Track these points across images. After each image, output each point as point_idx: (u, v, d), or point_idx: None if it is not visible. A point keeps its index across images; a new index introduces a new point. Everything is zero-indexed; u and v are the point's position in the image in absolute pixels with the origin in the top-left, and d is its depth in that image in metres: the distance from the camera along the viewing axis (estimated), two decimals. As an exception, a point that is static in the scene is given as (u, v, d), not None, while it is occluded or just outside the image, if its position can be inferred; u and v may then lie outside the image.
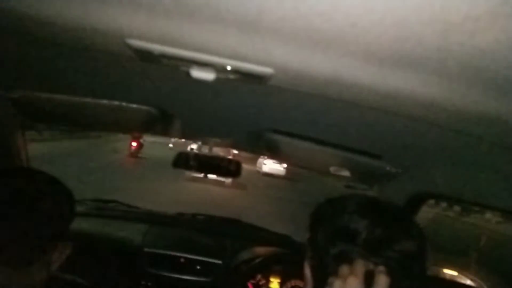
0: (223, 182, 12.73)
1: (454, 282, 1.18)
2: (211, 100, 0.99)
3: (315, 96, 0.72)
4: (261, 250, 1.86)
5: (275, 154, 1.39)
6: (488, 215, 18.93)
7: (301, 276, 1.77)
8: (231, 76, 0.58)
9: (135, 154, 16.37)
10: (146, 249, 1.71)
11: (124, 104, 1.16)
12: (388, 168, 1.24)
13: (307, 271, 0.84)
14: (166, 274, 1.67)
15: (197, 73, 0.58)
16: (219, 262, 1.72)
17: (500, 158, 0.81)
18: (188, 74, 0.59)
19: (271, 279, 1.81)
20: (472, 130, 0.71)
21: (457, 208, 18.82)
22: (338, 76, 0.52)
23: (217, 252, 1.78)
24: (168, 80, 0.88)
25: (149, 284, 1.65)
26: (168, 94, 1.03)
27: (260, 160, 21.95)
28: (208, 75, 0.58)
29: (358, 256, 0.71)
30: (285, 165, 21.49)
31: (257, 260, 1.73)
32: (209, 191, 11.39)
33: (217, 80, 0.60)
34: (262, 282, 1.77)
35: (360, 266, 0.68)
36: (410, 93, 0.56)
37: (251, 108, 1.02)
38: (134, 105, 1.16)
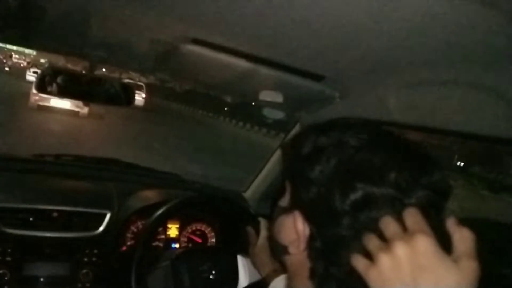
0: (77, 112, 11.18)
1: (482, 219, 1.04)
2: None
3: None
4: (152, 194, 1.54)
5: (189, 73, 1.06)
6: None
7: (202, 219, 1.55)
8: None
9: None
10: None
11: None
12: (328, 92, 1.04)
13: (299, 225, 0.58)
14: (32, 233, 1.24)
15: None
16: (106, 212, 1.36)
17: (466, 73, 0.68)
18: None
19: (169, 225, 1.53)
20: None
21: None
22: None
23: (101, 200, 1.39)
24: None
25: (9, 250, 1.21)
26: None
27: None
28: None
29: (389, 201, 0.50)
30: (143, 95, 20.41)
31: (155, 210, 1.42)
32: (62, 123, 9.91)
33: None
34: (159, 229, 1.49)
35: (419, 218, 0.46)
36: None
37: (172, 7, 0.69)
38: None
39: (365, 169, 0.52)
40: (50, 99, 10.50)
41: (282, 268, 1.14)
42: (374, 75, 0.89)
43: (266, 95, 1.07)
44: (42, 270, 1.25)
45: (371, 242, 0.47)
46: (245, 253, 1.25)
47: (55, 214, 1.28)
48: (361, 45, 0.72)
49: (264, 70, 0.97)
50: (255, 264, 1.18)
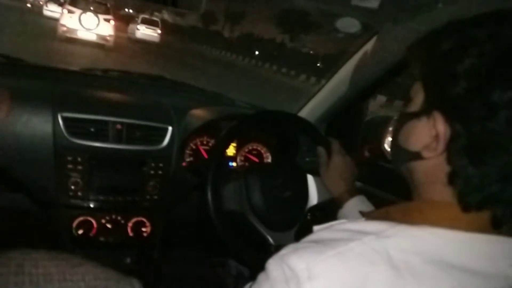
0: (103, 44, 10.93)
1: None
2: None
3: None
4: (207, 112, 1.42)
5: None
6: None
7: (258, 138, 1.46)
8: None
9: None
10: (63, 114, 1.13)
11: None
12: None
13: (440, 125, 0.50)
14: (98, 144, 1.15)
15: None
16: (168, 126, 1.26)
17: None
18: None
19: None
20: None
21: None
22: None
23: (161, 115, 1.28)
24: None
25: (79, 159, 1.13)
26: None
27: (132, 25, 19.88)
28: None
29: None
30: (158, 31, 19.84)
31: (216, 127, 1.32)
32: (88, 55, 9.69)
33: None
34: None
35: None
36: None
37: None
38: None
39: None
40: (76, 30, 10.29)
41: (352, 190, 1.07)
42: None
43: (361, -1, 0.91)
44: (111, 180, 1.17)
45: None
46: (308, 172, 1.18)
47: (118, 127, 1.18)
48: None
49: None
50: (326, 184, 1.10)
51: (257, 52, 22.45)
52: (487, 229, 0.48)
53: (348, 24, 1.11)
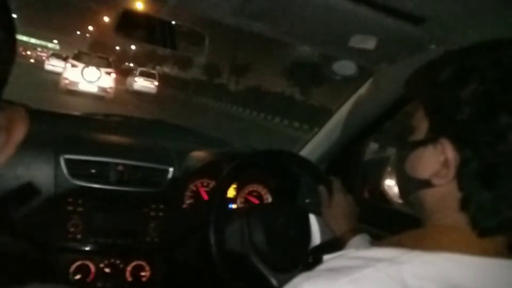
0: (103, 96, 11.20)
1: None
2: None
3: None
4: (208, 154, 1.42)
5: (271, 16, 0.93)
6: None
7: (258, 179, 1.45)
8: None
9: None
10: (65, 156, 1.13)
11: None
12: (425, 37, 0.92)
13: (449, 152, 0.49)
14: (99, 186, 1.13)
15: None
16: (169, 168, 1.26)
17: None
18: None
19: None
20: None
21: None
22: None
23: (162, 157, 1.28)
24: None
25: (79, 201, 1.11)
26: None
27: (130, 78, 20.38)
28: None
29: None
30: (156, 83, 20.30)
31: (218, 169, 1.32)
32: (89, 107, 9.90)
33: None
34: None
35: None
36: None
37: None
38: None
39: None
40: (78, 83, 10.67)
41: (354, 228, 1.05)
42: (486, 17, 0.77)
43: (358, 41, 0.94)
44: (112, 222, 1.14)
45: None
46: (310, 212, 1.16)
47: (120, 168, 1.17)
48: None
49: (358, 10, 0.84)
50: (329, 223, 1.08)
51: (263, 105, 21.98)
52: (503, 253, 0.47)
53: (345, 67, 1.15)
